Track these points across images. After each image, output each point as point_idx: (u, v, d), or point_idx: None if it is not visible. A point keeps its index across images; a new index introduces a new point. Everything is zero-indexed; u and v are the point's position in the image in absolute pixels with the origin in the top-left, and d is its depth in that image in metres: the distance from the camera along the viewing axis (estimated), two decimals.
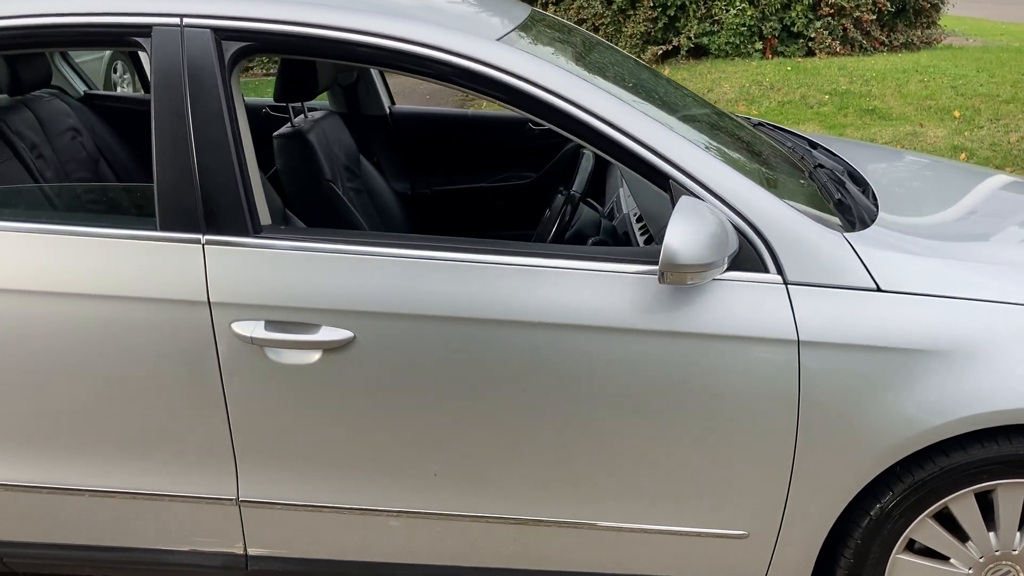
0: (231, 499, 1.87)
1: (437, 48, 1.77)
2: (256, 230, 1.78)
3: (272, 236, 1.78)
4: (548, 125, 1.80)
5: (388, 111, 3.31)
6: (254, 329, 1.74)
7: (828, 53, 10.00)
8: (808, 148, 2.63)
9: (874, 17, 10.16)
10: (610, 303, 1.73)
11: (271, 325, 1.75)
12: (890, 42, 10.43)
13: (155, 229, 1.78)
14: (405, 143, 3.33)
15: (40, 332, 1.78)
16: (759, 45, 10.02)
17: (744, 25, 9.91)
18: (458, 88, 1.83)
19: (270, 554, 1.93)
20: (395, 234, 1.82)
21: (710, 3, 10.01)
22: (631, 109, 1.78)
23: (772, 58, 9.95)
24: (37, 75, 2.89)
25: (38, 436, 1.84)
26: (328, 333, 1.74)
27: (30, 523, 1.93)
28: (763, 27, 10.01)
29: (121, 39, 1.83)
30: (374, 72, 3.27)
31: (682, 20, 10.14)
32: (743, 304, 1.73)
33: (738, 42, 9.95)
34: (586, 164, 2.11)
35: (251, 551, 1.93)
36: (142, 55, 3.13)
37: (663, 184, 1.76)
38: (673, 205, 1.71)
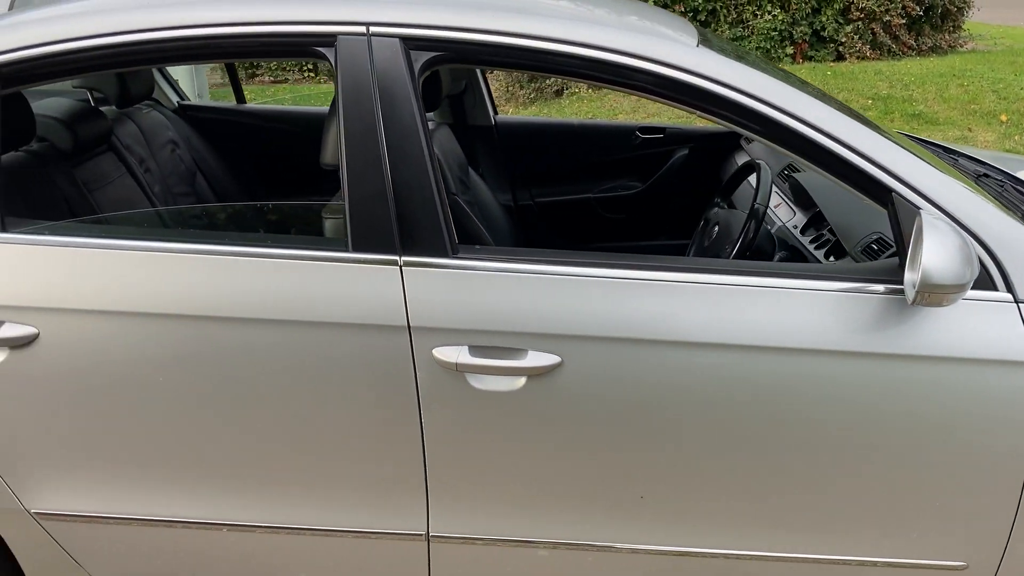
0: (420, 534, 1.77)
1: (638, 56, 1.68)
2: (454, 251, 1.68)
3: (470, 257, 1.68)
4: (751, 134, 1.71)
5: (493, 121, 3.22)
6: (459, 355, 1.64)
7: (858, 57, 9.95)
8: (945, 154, 2.54)
9: (904, 21, 10.12)
10: (842, 324, 1.63)
11: (475, 350, 1.65)
12: (918, 46, 10.39)
13: (346, 250, 1.68)
14: (509, 153, 3.24)
15: (222, 361, 1.67)
16: (789, 50, 9.97)
17: (775, 30, 9.85)
18: (652, 98, 1.74)
19: None
20: (595, 253, 1.72)
21: (741, 8, 9.95)
22: (848, 120, 1.69)
23: (802, 63, 9.89)
24: (143, 87, 2.80)
25: (220, 470, 1.74)
26: (536, 358, 1.64)
27: (203, 563, 1.82)
28: (793, 31, 9.95)
29: (303, 49, 1.74)
30: (481, 80, 3.18)
31: (712, 25, 10.07)
32: (973, 324, 1.63)
33: (768, 47, 9.89)
34: (766, 177, 2.02)
35: None
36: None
37: (882, 198, 1.67)
38: (894, 220, 1.63)
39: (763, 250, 2.04)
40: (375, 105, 1.68)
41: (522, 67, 1.75)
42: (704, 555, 1.76)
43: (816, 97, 1.72)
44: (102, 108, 2.70)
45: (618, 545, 1.76)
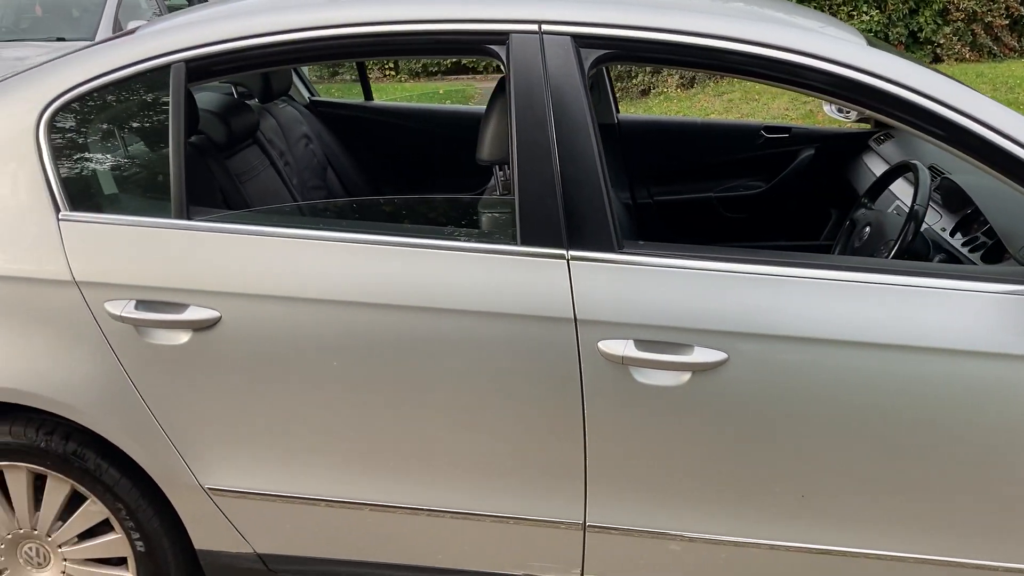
0: (577, 524, 1.80)
1: (815, 56, 1.68)
2: (620, 246, 1.71)
3: (637, 252, 1.71)
4: (928, 137, 1.69)
5: (616, 119, 3.23)
6: (624, 348, 1.67)
7: (956, 59, 9.68)
8: None
9: (1006, 22, 9.82)
10: (1012, 327, 1.61)
11: (641, 344, 1.67)
12: (1021, 47, 10.07)
13: (514, 243, 1.72)
14: (628, 151, 3.25)
15: (393, 347, 1.73)
16: None
17: (870, 31, 9.65)
18: (826, 98, 1.74)
19: None
20: (762, 250, 1.73)
21: (836, 9, 9.77)
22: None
23: None
24: (284, 82, 2.89)
25: (385, 453, 1.80)
26: (702, 354, 1.66)
27: (362, 541, 1.89)
28: (889, 32, 9.74)
29: (475, 47, 1.78)
30: (607, 79, 3.20)
31: None
32: None
33: None
34: (925, 178, 2.00)
35: None
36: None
37: None
38: None
39: (918, 252, 2.01)
40: (546, 102, 1.72)
41: (692, 66, 1.77)
42: (867, 555, 1.75)
43: (992, 100, 1.70)
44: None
45: (778, 543, 1.77)
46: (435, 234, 1.77)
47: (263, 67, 1.84)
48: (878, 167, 2.91)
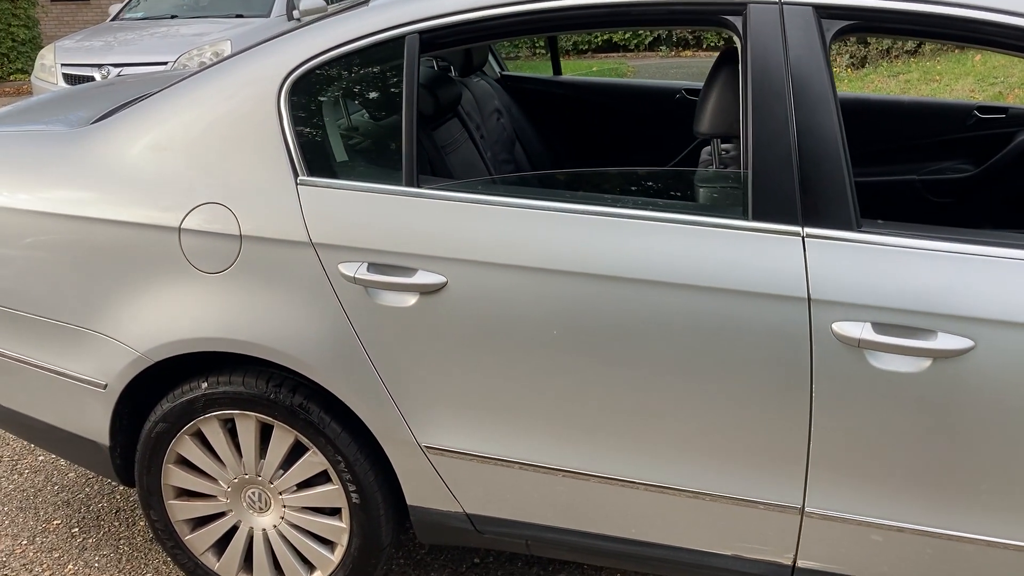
0: (795, 508, 1.76)
1: None
2: (858, 224, 1.64)
3: (876, 231, 1.64)
4: None
5: None
6: (862, 330, 1.61)
7: None
8: None
9: None
10: None
11: (880, 328, 1.61)
12: None
13: (745, 218, 1.69)
14: None
15: (612, 318, 1.73)
16: None
17: None
18: None
19: (820, 568, 1.81)
20: (1009, 234, 1.63)
21: None
22: None
23: None
24: (481, 56, 2.93)
25: (601, 424, 1.81)
26: (945, 341, 1.58)
27: (571, 512, 1.91)
28: None
29: (710, 17, 1.75)
30: None
31: None
32: None
33: None
34: None
35: (800, 563, 1.81)
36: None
37: None
38: None
39: None
40: (786, 75, 1.67)
41: (942, 37, 1.68)
42: None
43: None
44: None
45: (1001, 540, 1.67)
46: (661, 207, 1.76)
47: (493, 39, 1.86)
48: None
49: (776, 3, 1.70)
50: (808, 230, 1.65)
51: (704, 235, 1.70)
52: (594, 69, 12.60)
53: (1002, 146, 2.99)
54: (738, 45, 1.75)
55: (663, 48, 15.59)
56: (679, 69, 12.36)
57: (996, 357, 1.57)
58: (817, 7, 1.68)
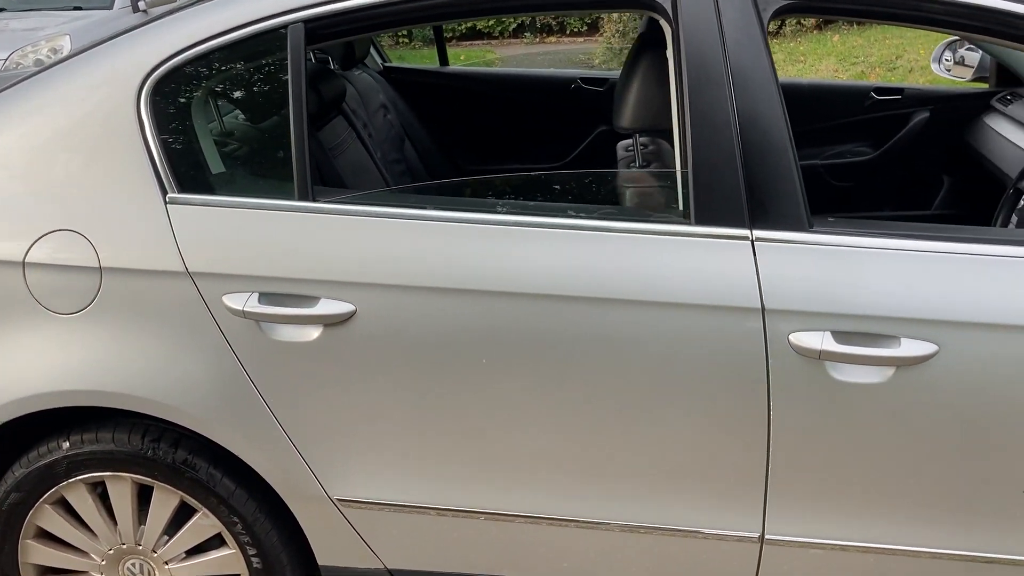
0: (754, 537, 1.61)
1: None
2: (810, 224, 1.50)
3: (829, 230, 1.50)
4: None
5: None
6: (822, 341, 1.47)
7: None
8: None
9: None
10: None
11: (840, 337, 1.47)
12: None
13: (687, 222, 1.52)
14: None
15: (545, 341, 1.53)
16: None
17: None
18: None
19: None
20: (970, 227, 1.53)
21: None
22: None
23: None
24: (365, 47, 2.68)
25: (534, 460, 1.61)
26: (910, 347, 1.46)
27: (509, 556, 1.70)
28: None
29: (634, 1, 1.57)
30: None
31: None
32: None
33: None
34: None
35: None
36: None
37: None
38: None
39: None
40: (724, 61, 1.51)
41: (889, 18, 1.55)
42: None
43: None
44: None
45: (996, 556, 1.58)
46: (589, 214, 1.57)
47: (391, 27, 1.62)
48: (1007, 129, 2.68)
49: None
50: (757, 233, 1.50)
51: (643, 243, 1.52)
52: (462, 59, 12.37)
53: (899, 127, 2.96)
54: (667, 30, 1.58)
55: (528, 35, 15.50)
56: (546, 56, 12.28)
57: (961, 361, 1.46)
58: None
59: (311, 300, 1.56)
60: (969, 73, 2.98)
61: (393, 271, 1.54)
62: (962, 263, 1.46)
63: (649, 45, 1.79)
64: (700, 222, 1.51)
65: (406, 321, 1.55)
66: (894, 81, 6.53)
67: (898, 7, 1.52)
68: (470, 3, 1.56)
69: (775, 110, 1.50)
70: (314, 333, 1.57)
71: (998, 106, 2.79)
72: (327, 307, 1.55)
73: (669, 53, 1.59)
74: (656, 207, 1.63)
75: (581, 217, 1.55)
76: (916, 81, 6.56)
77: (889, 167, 2.99)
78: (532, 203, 1.65)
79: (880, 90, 2.93)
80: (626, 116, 1.79)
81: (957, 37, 2.82)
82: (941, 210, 2.96)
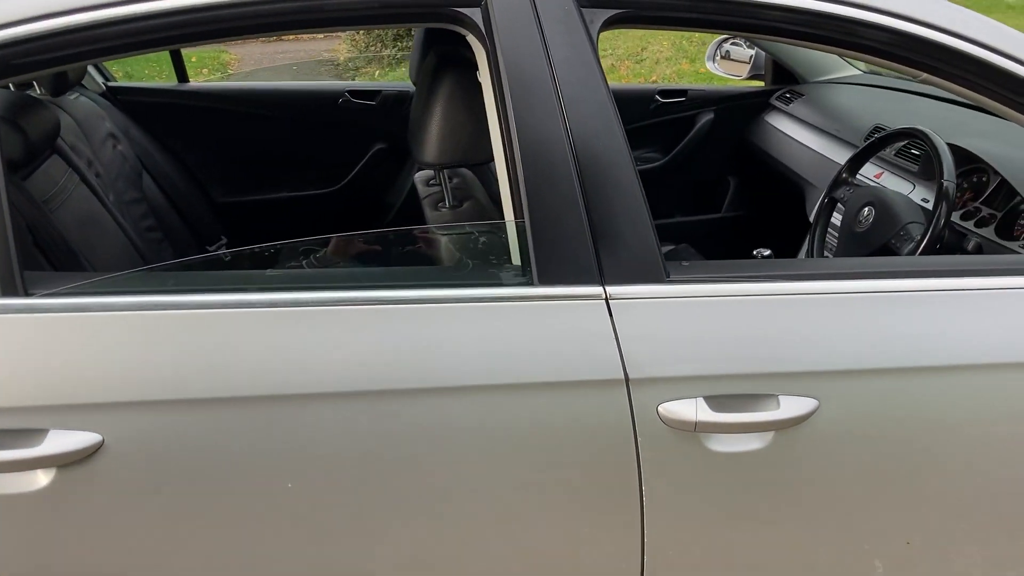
0: None
1: (883, 11, 1.32)
2: (667, 272, 1.28)
3: (689, 278, 1.28)
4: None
5: None
6: (696, 410, 1.25)
7: None
8: None
9: None
10: None
11: (715, 402, 1.26)
12: None
13: (529, 283, 1.25)
14: None
15: (359, 448, 1.21)
16: None
17: None
18: (886, 62, 1.38)
19: None
20: (844, 260, 1.37)
21: None
22: None
23: None
24: (80, 67, 2.18)
25: None
26: (790, 405, 1.27)
27: None
28: None
29: (437, 11, 1.26)
30: None
31: None
32: None
33: None
34: (943, 146, 1.71)
35: None
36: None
37: None
38: None
39: (947, 238, 1.74)
40: (553, 84, 1.25)
41: (724, 27, 1.36)
42: None
43: None
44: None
45: None
46: (403, 280, 1.25)
47: (118, 53, 1.21)
48: (789, 127, 2.66)
49: None
50: (612, 290, 1.25)
51: (475, 314, 1.23)
52: (193, 60, 11.41)
53: (686, 130, 2.87)
54: (479, 49, 1.29)
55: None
56: (286, 55, 11.59)
57: (842, 413, 1.30)
58: None
59: (35, 435, 1.13)
60: (744, 70, 2.95)
61: (155, 382, 1.14)
62: (836, 304, 1.30)
63: (452, 64, 1.50)
64: (545, 281, 1.24)
65: (176, 445, 1.16)
66: (643, 73, 6.68)
67: (732, 15, 1.33)
68: (227, 19, 1.18)
69: (617, 142, 1.26)
70: (43, 478, 1.14)
71: (778, 104, 2.77)
72: (59, 441, 1.13)
73: (483, 76, 1.31)
74: (493, 267, 1.34)
75: (393, 286, 1.23)
76: (662, 73, 6.74)
77: (678, 172, 2.90)
78: (318, 270, 1.31)
79: (664, 92, 2.82)
80: (430, 149, 1.49)
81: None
82: (730, 212, 2.92)
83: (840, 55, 1.41)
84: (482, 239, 1.42)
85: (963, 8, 1.35)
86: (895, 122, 2.25)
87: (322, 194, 2.70)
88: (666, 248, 2.76)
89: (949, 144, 1.80)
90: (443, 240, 1.41)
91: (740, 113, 2.84)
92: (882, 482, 1.34)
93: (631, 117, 2.84)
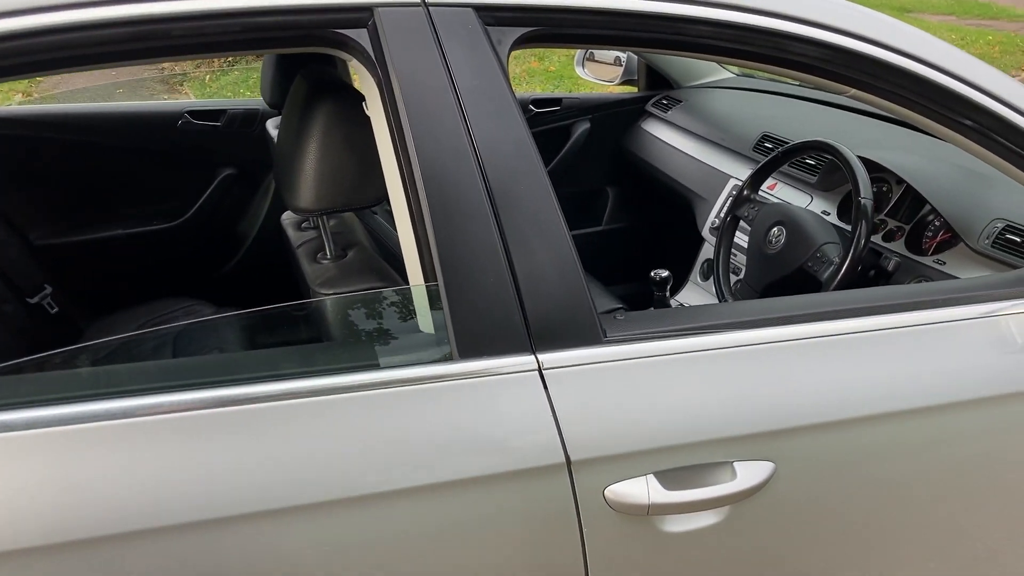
0: None
1: (817, 24, 1.19)
2: (605, 332, 1.10)
3: (628, 336, 1.11)
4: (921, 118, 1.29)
5: None
6: (648, 490, 1.08)
7: None
8: None
9: None
10: None
11: (667, 479, 1.09)
12: None
13: (447, 358, 1.04)
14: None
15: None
16: None
17: None
18: (812, 77, 1.26)
19: None
20: (790, 299, 1.23)
21: None
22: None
23: None
24: None
25: None
26: (747, 473, 1.12)
27: None
28: None
29: (313, 34, 1.04)
30: None
31: None
32: None
33: None
34: (856, 161, 1.61)
35: None
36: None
37: None
38: None
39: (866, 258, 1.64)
40: (461, 116, 1.05)
41: (654, 44, 1.19)
42: None
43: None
44: None
45: None
46: (299, 366, 1.02)
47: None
48: (669, 136, 2.56)
49: (419, 5, 1.05)
50: (545, 357, 1.06)
51: (384, 402, 1.01)
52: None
53: (563, 140, 2.72)
54: (367, 76, 1.07)
55: None
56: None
57: (801, 474, 1.16)
58: (480, 8, 1.08)
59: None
60: (615, 75, 2.83)
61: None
62: (789, 353, 1.16)
63: (328, 91, 1.26)
64: (466, 354, 1.04)
65: None
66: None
67: (656, 32, 1.17)
68: (47, 50, 0.91)
69: (539, 179, 1.08)
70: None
71: (655, 111, 2.66)
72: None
73: (373, 109, 1.09)
74: (393, 340, 1.12)
75: (288, 375, 1.00)
76: (514, 74, 6.62)
77: (556, 184, 2.73)
78: (188, 360, 1.06)
79: (538, 102, 2.65)
80: (306, 194, 1.25)
81: None
82: (612, 224, 2.79)
83: (768, 72, 1.27)
84: (384, 306, 1.20)
85: (901, 22, 1.24)
86: (782, 130, 2.17)
87: (163, 229, 2.37)
88: None
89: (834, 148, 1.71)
90: (332, 310, 1.17)
91: (617, 121, 2.72)
92: (846, 542, 1.22)
93: None
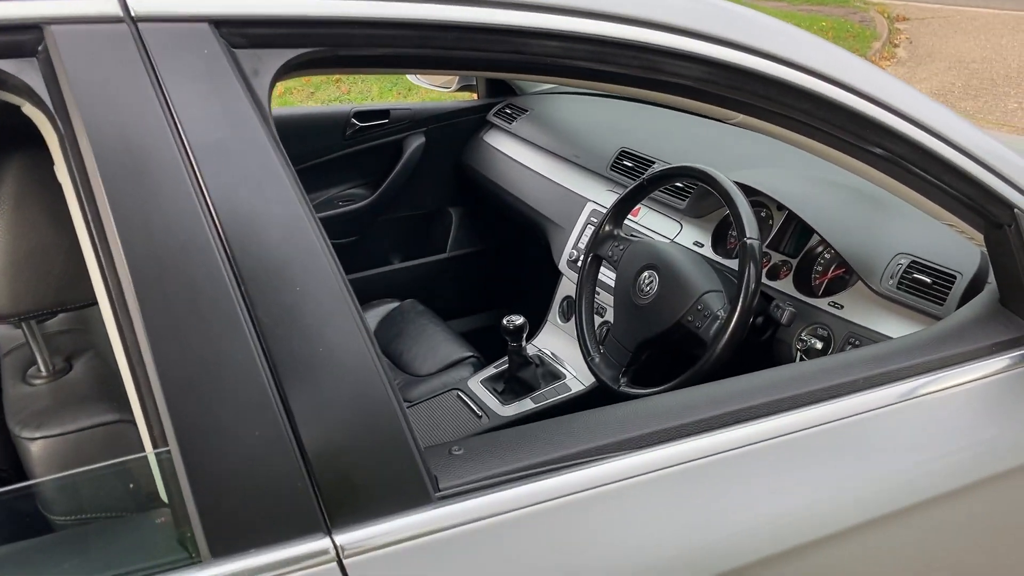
0: None
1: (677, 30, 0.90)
2: (436, 486, 0.76)
3: (468, 484, 0.78)
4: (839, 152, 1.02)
5: None
6: None
7: None
8: None
9: None
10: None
11: None
12: None
13: (193, 561, 0.68)
14: None
15: None
16: None
17: None
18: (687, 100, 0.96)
19: None
20: (669, 396, 0.94)
21: None
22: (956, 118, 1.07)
23: None
24: None
25: None
26: None
27: None
28: None
29: None
30: None
31: None
32: None
33: None
34: (738, 194, 1.33)
35: None
36: None
37: (994, 219, 1.10)
38: (1014, 246, 1.09)
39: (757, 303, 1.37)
40: (193, 181, 0.68)
41: (479, 66, 0.87)
42: None
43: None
44: None
45: None
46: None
47: None
48: (515, 150, 2.25)
49: (118, 18, 0.68)
50: (343, 538, 0.72)
51: None
52: None
53: (395, 158, 2.36)
54: (46, 127, 0.70)
55: None
56: None
57: None
58: (224, 22, 0.72)
59: None
60: (451, 80, 2.50)
61: None
62: (678, 481, 0.86)
63: (15, 146, 0.86)
64: (221, 550, 0.68)
65: None
66: (293, 87, 5.97)
67: (484, 49, 0.83)
68: None
69: (321, 266, 0.73)
70: None
71: (498, 121, 2.35)
72: None
73: (61, 173, 0.71)
74: (119, 539, 0.74)
75: None
76: (316, 82, 6.10)
77: (390, 208, 2.39)
78: None
79: (361, 114, 2.28)
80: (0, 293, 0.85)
81: None
82: (457, 250, 2.46)
83: (636, 97, 0.97)
84: (99, 487, 0.81)
85: (795, 28, 0.96)
86: (642, 145, 1.90)
87: None
88: (388, 306, 2.26)
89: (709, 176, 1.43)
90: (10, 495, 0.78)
91: (456, 133, 2.39)
92: None
93: (321, 148, 2.27)
